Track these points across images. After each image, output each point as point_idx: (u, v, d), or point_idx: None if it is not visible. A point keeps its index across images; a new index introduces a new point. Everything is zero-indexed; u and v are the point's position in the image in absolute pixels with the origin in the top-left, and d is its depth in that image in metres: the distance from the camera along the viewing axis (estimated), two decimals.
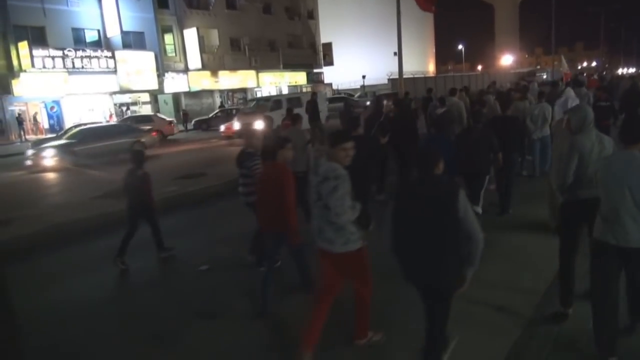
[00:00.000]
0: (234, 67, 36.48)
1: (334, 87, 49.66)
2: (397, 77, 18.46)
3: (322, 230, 3.37)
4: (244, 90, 38.38)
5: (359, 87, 46.56)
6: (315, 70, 46.40)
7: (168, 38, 32.64)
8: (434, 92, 14.28)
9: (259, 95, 38.20)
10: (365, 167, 4.11)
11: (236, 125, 19.58)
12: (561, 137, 4.59)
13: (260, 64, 38.50)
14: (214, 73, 34.94)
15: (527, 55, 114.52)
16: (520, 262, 5.24)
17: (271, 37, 40.55)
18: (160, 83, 31.15)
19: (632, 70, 52.27)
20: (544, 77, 41.55)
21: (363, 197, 4.54)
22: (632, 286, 3.48)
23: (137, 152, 6.43)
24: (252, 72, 38.13)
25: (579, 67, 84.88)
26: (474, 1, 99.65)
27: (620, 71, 40.98)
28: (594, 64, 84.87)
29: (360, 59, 57.63)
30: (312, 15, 46.64)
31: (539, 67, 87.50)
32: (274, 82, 40.93)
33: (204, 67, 33.87)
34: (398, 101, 9.58)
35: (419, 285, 3.05)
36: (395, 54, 17.21)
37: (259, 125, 17.50)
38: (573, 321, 3.82)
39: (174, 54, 32.85)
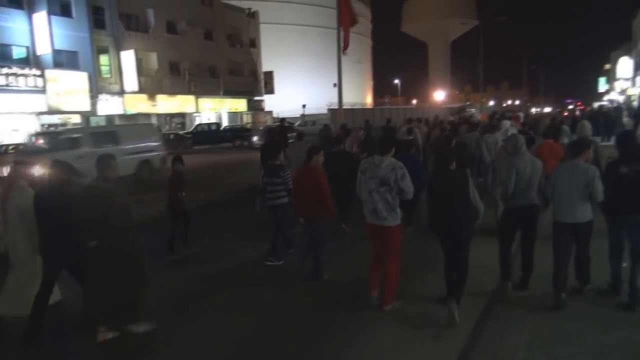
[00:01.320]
0: (172, 92, 35.78)
1: (275, 115, 49.86)
2: (336, 107, 18.82)
3: (378, 210, 4.75)
4: (182, 115, 37.64)
5: (299, 115, 46.99)
6: (256, 98, 46.45)
7: (104, 59, 31.56)
8: (393, 121, 15.64)
9: (197, 120, 37.61)
10: (352, 175, 5.38)
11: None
12: (501, 159, 6.49)
13: (200, 90, 38.04)
14: (152, 96, 34.08)
15: (457, 92, 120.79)
16: (477, 265, 5.49)
17: (212, 63, 40.30)
18: (93, 104, 29.92)
19: (548, 109, 56.76)
20: (473, 111, 43.87)
21: (350, 196, 6.89)
22: (579, 252, 4.84)
23: (177, 156, 7.34)
24: (192, 97, 37.55)
25: (504, 105, 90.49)
26: (410, 39, 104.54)
27: (534, 110, 44.59)
28: (517, 102, 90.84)
29: (301, 89, 58.39)
30: (254, 43, 46.94)
31: (468, 102, 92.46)
32: (214, 108, 40.50)
33: (142, 90, 32.96)
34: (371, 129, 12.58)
35: (448, 238, 4.68)
36: (334, 85, 17.59)
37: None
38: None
39: (109, 76, 31.77)
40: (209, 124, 35.51)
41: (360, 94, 71.05)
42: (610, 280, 5.03)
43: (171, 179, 7.18)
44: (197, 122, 37.09)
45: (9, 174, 5.12)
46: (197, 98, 38.02)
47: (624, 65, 51.75)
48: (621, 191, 4.58)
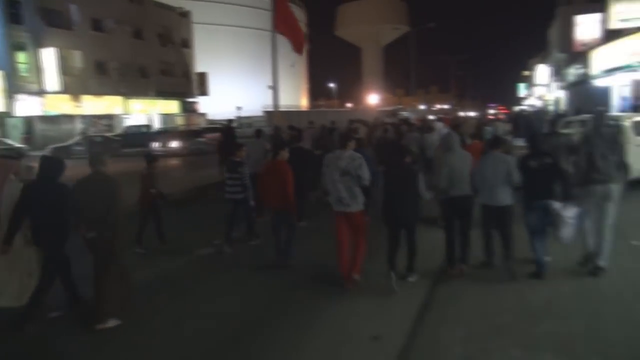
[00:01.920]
0: (99, 92, 34.01)
1: (209, 117, 48.75)
2: (272, 109, 18.64)
3: (343, 198, 5.37)
4: (110, 117, 35.87)
5: (234, 117, 46.29)
6: (189, 100, 45.22)
7: (22, 56, 29.47)
8: (336, 123, 16.43)
9: (127, 123, 36.00)
10: (314, 167, 6.50)
11: None
12: (438, 156, 7.31)
13: (129, 90, 36.44)
14: (76, 97, 32.21)
15: (390, 95, 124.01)
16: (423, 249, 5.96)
17: (142, 63, 38.75)
18: (10, 105, 27.83)
19: (472, 113, 59.73)
20: (406, 114, 45.17)
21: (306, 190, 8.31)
22: (501, 232, 5.67)
23: (149, 153, 7.69)
24: (120, 98, 35.88)
25: (434, 108, 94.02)
26: (344, 43, 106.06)
27: (461, 113, 47.18)
28: (445, 106, 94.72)
29: (236, 91, 57.53)
30: (186, 44, 45.69)
31: (400, 106, 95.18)
32: (144, 110, 38.95)
33: (65, 90, 31.08)
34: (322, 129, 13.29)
35: (399, 223, 5.53)
36: (270, 87, 17.41)
37: None
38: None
39: (28, 74, 29.68)
40: (139, 126, 34.00)
41: (295, 97, 71.15)
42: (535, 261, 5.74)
43: (144, 177, 7.41)
44: (127, 124, 35.48)
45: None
46: (126, 99, 36.39)
47: (541, 72, 55.12)
48: (531, 181, 5.51)
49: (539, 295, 5.05)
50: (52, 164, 4.83)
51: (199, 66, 47.43)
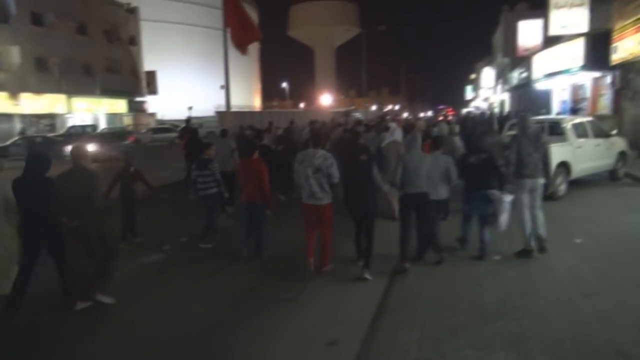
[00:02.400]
0: (39, 90, 32.27)
1: (159, 117, 47.42)
2: (224, 109, 18.32)
3: (314, 192, 5.83)
4: (52, 116, 34.14)
5: (185, 117, 45.28)
6: (137, 99, 43.77)
7: None
8: (295, 124, 17.26)
9: (70, 122, 34.38)
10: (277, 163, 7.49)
11: None
12: (391, 154, 8.16)
13: (73, 88, 34.80)
14: (14, 95, 30.44)
15: (343, 96, 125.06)
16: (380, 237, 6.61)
17: (86, 60, 37.14)
18: None
19: (421, 114, 61.05)
20: (358, 115, 45.69)
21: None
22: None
23: (128, 153, 7.75)
24: (63, 97, 34.21)
25: (385, 110, 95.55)
26: (297, 43, 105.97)
27: (405, 115, 48.23)
28: (397, 107, 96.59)
29: (187, 90, 56.30)
30: (134, 41, 44.21)
31: (353, 107, 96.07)
32: (89, 109, 37.36)
33: (2, 87, 29.33)
34: (285, 129, 14.28)
35: (359, 211, 5.94)
36: (222, 87, 17.08)
37: None
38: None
39: None
40: (83, 126, 32.53)
41: (248, 97, 70.43)
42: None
43: (122, 175, 7.71)
44: (70, 123, 33.88)
45: None
46: (69, 97, 34.74)
47: (487, 75, 57.22)
48: (471, 174, 6.32)
49: (490, 295, 5.14)
50: (39, 160, 5.12)
51: (148, 64, 46.06)
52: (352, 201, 5.94)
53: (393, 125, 12.32)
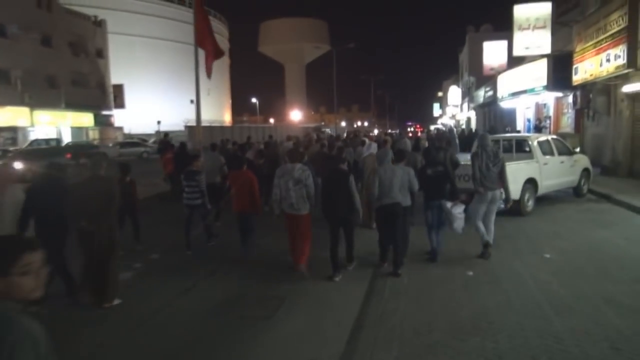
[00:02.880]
0: (1, 102, 31.19)
1: (126, 131, 46.50)
2: (194, 124, 18.11)
3: (294, 203, 6.39)
4: (13, 129, 32.96)
5: (153, 132, 44.46)
6: (104, 112, 42.85)
7: None
8: (250, 139, 17.77)
9: (32, 136, 33.29)
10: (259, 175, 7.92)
11: None
12: (367, 167, 9.10)
13: (36, 101, 33.75)
14: None
15: (313, 112, 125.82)
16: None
17: (51, 72, 36.16)
18: None
19: (389, 130, 61.91)
20: (328, 131, 45.98)
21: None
22: (394, 230, 6.57)
23: (125, 164, 8.33)
24: (25, 110, 33.15)
25: (355, 126, 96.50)
26: (267, 59, 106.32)
27: (376, 131, 48.90)
28: (366, 123, 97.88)
29: (156, 104, 55.47)
30: (101, 54, 43.42)
31: (323, 123, 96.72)
32: (53, 122, 36.29)
33: None
34: (267, 144, 14.65)
35: (335, 218, 6.44)
36: (192, 101, 16.89)
37: None
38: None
39: None
40: (47, 140, 31.53)
41: (218, 112, 69.87)
42: (428, 251, 7.16)
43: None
44: (33, 137, 32.79)
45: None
46: (31, 110, 33.69)
47: (454, 93, 58.64)
48: (428, 185, 6.99)
49: (466, 311, 5.16)
50: (53, 166, 5.85)
51: (116, 78, 45.22)
52: (329, 207, 6.42)
53: (366, 140, 13.28)
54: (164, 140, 16.39)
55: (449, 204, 6.87)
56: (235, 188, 7.24)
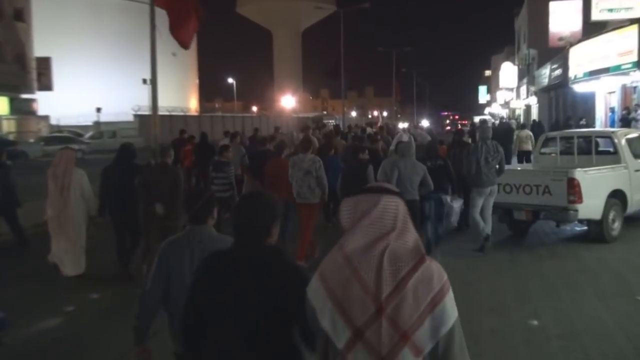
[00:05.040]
0: None
1: (54, 122, 46.65)
2: (147, 112, 18.15)
3: (303, 193, 8.64)
4: None
5: (91, 123, 44.65)
6: (23, 96, 42.95)
7: None
8: (259, 131, 20.06)
9: None
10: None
11: None
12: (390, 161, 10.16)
13: None
14: None
15: (311, 97, 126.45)
16: None
17: None
18: None
19: (403, 125, 61.84)
20: (333, 123, 46.11)
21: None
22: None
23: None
24: None
25: (370, 116, 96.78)
26: (249, 25, 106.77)
27: (401, 125, 48.49)
28: (385, 113, 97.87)
29: (95, 86, 55.73)
30: (20, 16, 43.67)
31: (325, 112, 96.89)
32: None
33: None
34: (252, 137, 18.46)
35: None
36: (145, 81, 16.92)
37: None
38: None
39: None
40: None
41: (181, 96, 70.02)
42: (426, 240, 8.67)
43: None
44: None
45: (64, 161, 8.18)
46: None
47: (507, 72, 58.60)
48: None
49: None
50: (126, 149, 8.53)
51: (41, 49, 45.42)
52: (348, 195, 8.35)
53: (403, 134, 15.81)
54: (179, 139, 18.49)
55: (448, 198, 9.08)
56: (275, 176, 9.20)
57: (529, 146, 19.13)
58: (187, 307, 2.67)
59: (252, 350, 2.44)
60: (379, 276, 2.00)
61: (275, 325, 2.41)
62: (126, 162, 8.35)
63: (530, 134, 20.35)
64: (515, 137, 19.80)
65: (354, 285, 2.03)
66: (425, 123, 68.60)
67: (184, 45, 13.16)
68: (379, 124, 28.73)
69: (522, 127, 23.49)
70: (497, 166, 9.33)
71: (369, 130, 23.54)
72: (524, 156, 19.07)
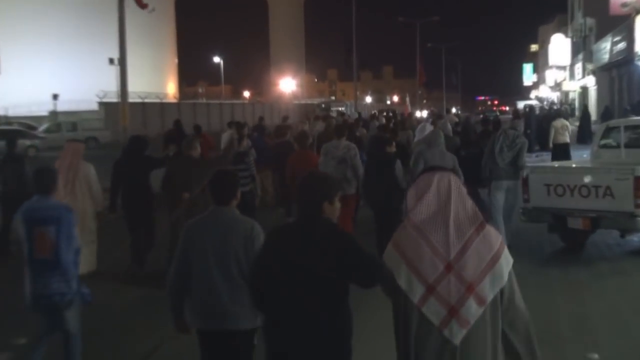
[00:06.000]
0: None
1: (1, 111, 46.90)
2: (115, 99, 18.19)
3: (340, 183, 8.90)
4: None
5: (47, 113, 44.82)
6: None
7: None
8: (264, 121, 20.80)
9: None
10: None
11: None
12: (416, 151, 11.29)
13: None
14: None
15: (316, 80, 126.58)
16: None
17: None
18: None
19: (421, 113, 61.68)
20: (341, 110, 46.25)
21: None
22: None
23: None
24: None
25: (388, 103, 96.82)
26: None
27: (419, 114, 48.20)
28: (407, 98, 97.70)
29: (50, 68, 56.03)
30: None
31: (333, 98, 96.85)
32: None
33: None
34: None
35: (380, 207, 9.58)
36: (112, 62, 16.94)
37: None
38: None
39: None
40: None
41: (157, 79, 70.31)
42: None
43: None
44: None
45: (70, 154, 9.16)
46: None
47: (558, 46, 58.31)
48: (462, 167, 9.23)
49: None
50: (137, 141, 9.65)
51: None
52: (370, 192, 9.52)
53: (427, 125, 17.66)
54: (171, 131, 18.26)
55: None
56: (302, 168, 9.50)
57: (566, 138, 19.06)
58: (258, 275, 3.75)
59: (316, 302, 3.51)
60: (447, 240, 2.89)
61: (332, 281, 3.52)
62: (138, 154, 9.42)
63: (567, 123, 20.09)
64: (551, 128, 19.44)
65: (424, 248, 2.91)
66: (453, 110, 68.57)
67: (140, 3, 13.47)
68: (407, 111, 31.42)
69: (556, 115, 23.39)
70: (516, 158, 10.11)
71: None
72: (560, 150, 18.70)
